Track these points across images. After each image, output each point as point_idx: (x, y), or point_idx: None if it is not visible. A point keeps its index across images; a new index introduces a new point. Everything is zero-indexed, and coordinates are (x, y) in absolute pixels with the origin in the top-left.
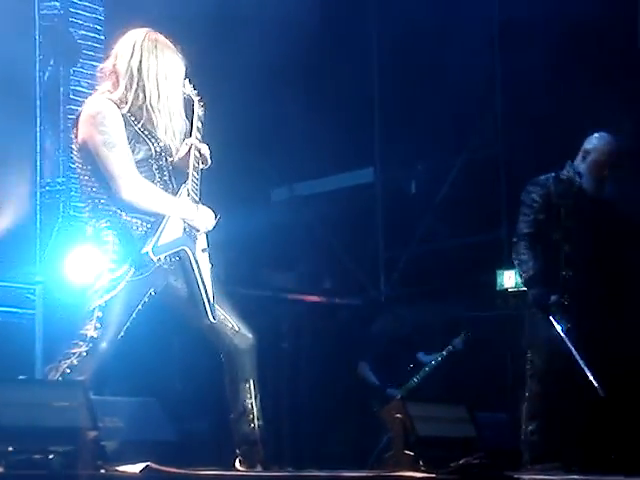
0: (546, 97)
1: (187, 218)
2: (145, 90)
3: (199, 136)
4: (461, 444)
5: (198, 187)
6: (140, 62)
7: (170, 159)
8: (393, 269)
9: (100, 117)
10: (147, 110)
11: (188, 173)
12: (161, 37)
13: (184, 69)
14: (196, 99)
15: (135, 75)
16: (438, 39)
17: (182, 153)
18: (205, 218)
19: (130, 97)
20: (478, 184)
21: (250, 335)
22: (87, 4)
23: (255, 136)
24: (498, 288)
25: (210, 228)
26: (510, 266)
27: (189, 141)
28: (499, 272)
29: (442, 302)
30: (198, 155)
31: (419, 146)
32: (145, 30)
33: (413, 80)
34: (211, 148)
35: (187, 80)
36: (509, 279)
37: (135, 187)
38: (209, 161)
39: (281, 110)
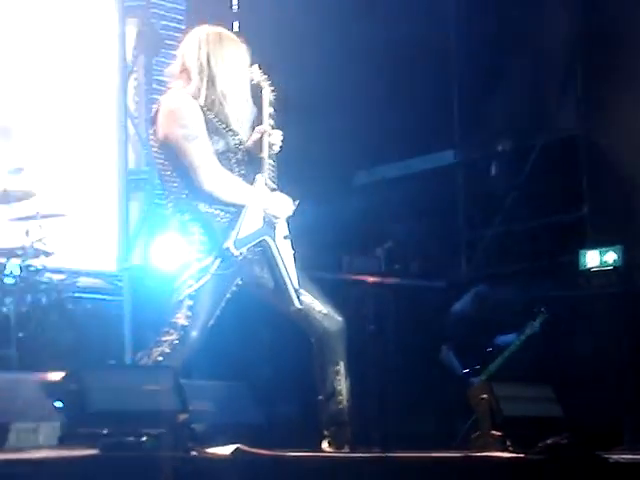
0: (631, 78)
1: (265, 206)
2: (216, 81)
3: (272, 122)
4: (548, 424)
5: (274, 174)
6: (208, 54)
7: (243, 147)
8: (474, 251)
9: (179, 111)
10: (220, 101)
11: (262, 161)
12: (223, 30)
13: (249, 58)
14: (266, 85)
15: (205, 67)
16: (518, 21)
17: (254, 139)
18: (283, 205)
19: (203, 90)
20: (559, 164)
21: (339, 318)
22: None
23: (336, 120)
24: (581, 268)
25: (289, 214)
26: (593, 246)
27: (261, 128)
28: (582, 252)
29: (524, 283)
30: (271, 142)
31: (499, 127)
32: (204, 27)
33: (492, 62)
34: (293, 133)
35: (257, 66)
36: (592, 259)
37: (216, 177)
38: (279, 147)
39: (361, 93)
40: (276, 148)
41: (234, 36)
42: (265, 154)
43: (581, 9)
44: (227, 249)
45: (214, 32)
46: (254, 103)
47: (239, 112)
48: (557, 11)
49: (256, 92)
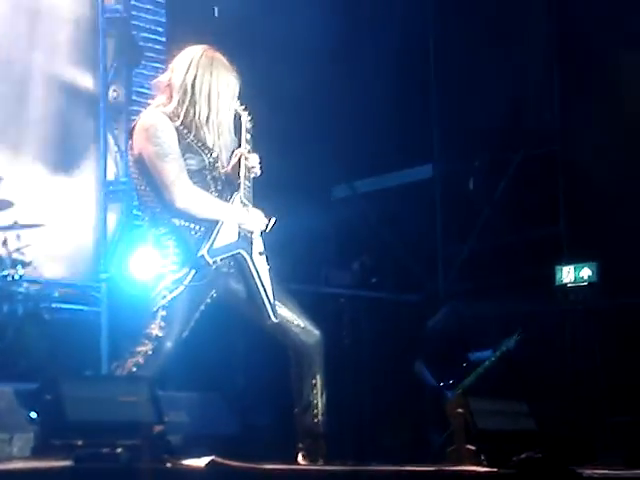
0: (607, 95)
1: (239, 221)
2: (195, 106)
3: (249, 147)
4: (522, 438)
5: (250, 194)
6: (194, 78)
7: (222, 170)
8: (451, 265)
9: (153, 129)
10: (197, 124)
11: (239, 182)
12: (218, 55)
13: (238, 87)
14: (244, 113)
15: (188, 90)
16: (497, 35)
17: (233, 163)
18: (256, 220)
19: (182, 111)
20: (536, 180)
21: (316, 331)
22: (149, 7)
23: (314, 134)
24: (557, 283)
25: (262, 229)
26: (569, 261)
27: (238, 151)
28: (558, 268)
29: (500, 298)
30: (248, 165)
31: (476, 142)
32: (203, 47)
33: (471, 76)
34: (271, 147)
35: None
36: (568, 275)
37: (187, 195)
38: (259, 171)
39: (340, 107)
40: (255, 171)
41: (227, 63)
42: (242, 175)
43: (557, 25)
44: (202, 257)
45: (207, 55)
46: (235, 132)
47: (218, 137)
48: (535, 25)
49: (236, 120)
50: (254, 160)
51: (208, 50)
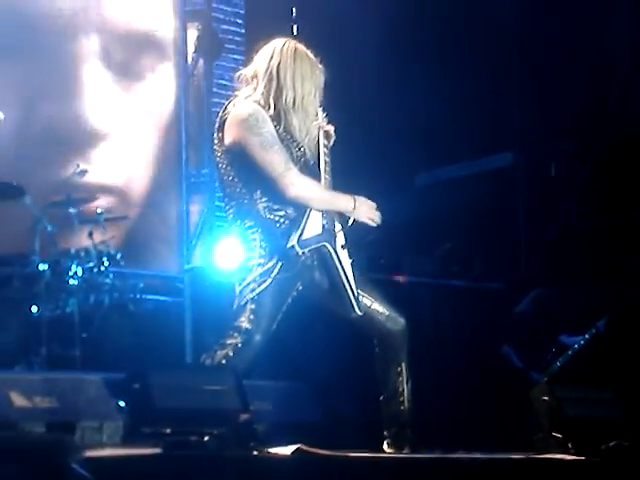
0: None
1: (346, 211)
2: (283, 91)
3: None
4: (610, 426)
5: (330, 174)
6: (279, 64)
7: (307, 163)
8: (535, 251)
9: (252, 119)
10: (285, 113)
11: (319, 170)
12: (301, 46)
13: (322, 78)
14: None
15: (274, 76)
16: (580, 20)
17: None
18: (365, 209)
19: (269, 99)
20: (621, 164)
21: (401, 319)
22: None
23: (398, 122)
24: None
25: (373, 218)
26: None
27: (315, 124)
28: None
29: (585, 284)
30: (326, 140)
31: (560, 127)
32: (286, 39)
33: (553, 59)
34: (353, 136)
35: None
36: None
37: (300, 183)
38: (334, 136)
39: (422, 94)
40: (330, 141)
41: (310, 54)
42: (321, 156)
43: None
44: (292, 247)
45: (291, 45)
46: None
47: (304, 126)
48: (622, 10)
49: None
50: (330, 131)
51: (291, 41)
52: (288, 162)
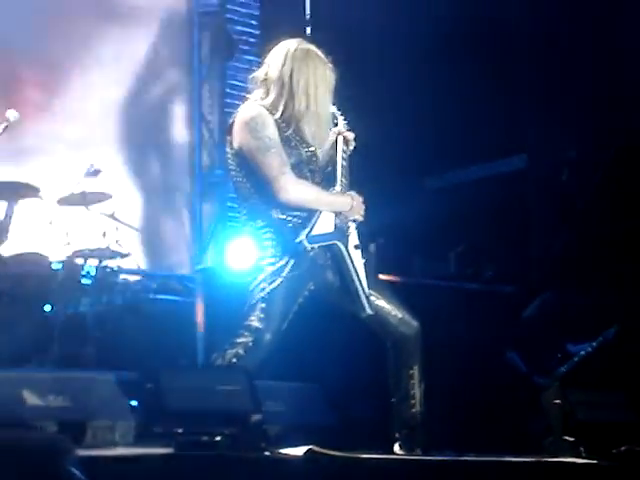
0: None
1: (344, 211)
2: (295, 99)
3: (346, 126)
4: (622, 430)
5: (348, 179)
6: (292, 70)
7: (321, 162)
8: (546, 256)
9: (253, 123)
10: (296, 117)
11: (336, 170)
12: (313, 47)
13: (334, 80)
14: (337, 114)
15: (286, 83)
16: (595, 22)
17: (331, 141)
18: (360, 206)
19: (281, 104)
20: (632, 169)
21: (414, 322)
22: (243, 0)
23: (409, 124)
24: None
25: (362, 213)
26: None
27: (336, 129)
28: None
29: (596, 289)
30: (345, 146)
31: (572, 132)
32: (298, 40)
33: (566, 63)
34: (367, 136)
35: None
36: None
37: (293, 187)
38: (353, 143)
39: (434, 97)
40: (350, 147)
41: (322, 55)
42: (339, 160)
43: None
44: (300, 243)
45: (303, 48)
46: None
47: (316, 129)
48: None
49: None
50: (350, 137)
51: (302, 43)
52: (283, 166)
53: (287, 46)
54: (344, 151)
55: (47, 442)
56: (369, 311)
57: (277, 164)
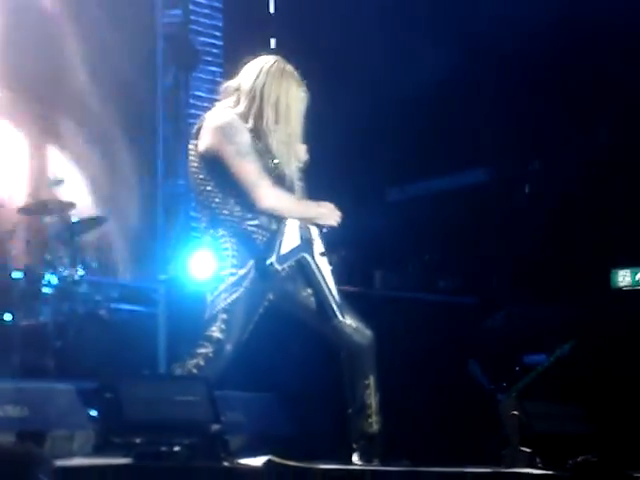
0: None
1: (316, 219)
2: (263, 113)
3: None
4: (578, 442)
5: (302, 187)
6: (264, 84)
7: (282, 176)
8: (506, 269)
9: (229, 128)
10: (264, 132)
11: (292, 181)
12: (289, 67)
13: (305, 102)
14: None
15: (257, 96)
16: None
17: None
18: (331, 213)
19: (250, 116)
20: (593, 183)
21: (368, 332)
22: (207, 12)
23: (370, 137)
24: (612, 287)
25: (337, 222)
26: (624, 265)
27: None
28: (613, 271)
29: (555, 302)
30: (297, 159)
31: (533, 145)
32: (276, 57)
33: (530, 76)
34: (326, 151)
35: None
36: (624, 278)
37: (272, 194)
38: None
39: (396, 110)
40: (302, 160)
41: (297, 77)
42: (293, 171)
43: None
44: (271, 264)
45: (279, 66)
46: None
47: (284, 147)
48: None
49: None
50: (302, 151)
51: (280, 61)
52: (261, 172)
53: (264, 60)
54: (297, 166)
55: (21, 452)
56: (341, 318)
57: (255, 170)
